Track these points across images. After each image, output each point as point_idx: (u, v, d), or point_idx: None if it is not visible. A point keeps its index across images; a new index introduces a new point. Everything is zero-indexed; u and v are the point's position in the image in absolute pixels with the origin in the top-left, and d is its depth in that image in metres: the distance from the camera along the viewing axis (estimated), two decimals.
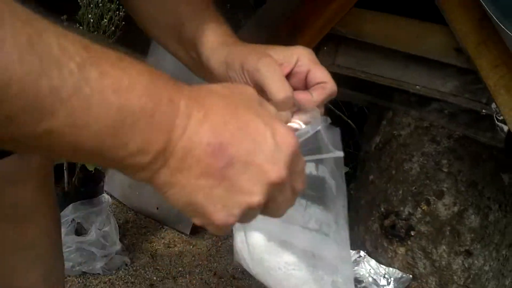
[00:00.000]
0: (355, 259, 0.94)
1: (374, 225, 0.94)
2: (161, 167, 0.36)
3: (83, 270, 1.78)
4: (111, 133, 0.33)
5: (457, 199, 0.86)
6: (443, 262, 0.89)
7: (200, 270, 1.87)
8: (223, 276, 1.81)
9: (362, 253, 0.94)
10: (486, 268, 0.92)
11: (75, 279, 1.73)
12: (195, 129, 0.36)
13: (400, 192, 0.90)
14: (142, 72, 0.34)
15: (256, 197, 0.37)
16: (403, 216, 0.89)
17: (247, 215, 0.39)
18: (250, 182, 0.37)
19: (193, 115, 0.36)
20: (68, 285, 1.70)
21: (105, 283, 1.75)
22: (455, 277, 0.90)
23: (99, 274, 1.78)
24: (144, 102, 0.34)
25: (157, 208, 2.14)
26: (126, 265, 1.86)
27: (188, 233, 2.11)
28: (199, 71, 0.56)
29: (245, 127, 0.37)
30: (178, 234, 2.06)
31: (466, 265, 0.90)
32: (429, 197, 0.87)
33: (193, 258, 1.93)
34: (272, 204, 0.40)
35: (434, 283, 0.91)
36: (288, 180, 0.39)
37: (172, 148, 0.35)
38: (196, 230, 2.08)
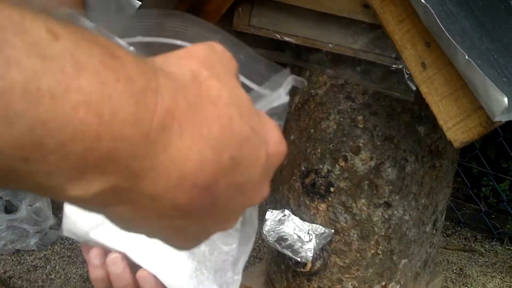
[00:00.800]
0: (280, 219, 0.95)
1: (296, 184, 0.96)
2: (119, 204, 0.26)
3: (17, 248, 1.74)
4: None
5: (374, 154, 0.88)
6: (363, 215, 0.92)
7: None
8: None
9: (286, 211, 0.95)
10: (406, 217, 0.95)
11: (9, 258, 1.69)
12: (170, 167, 0.24)
13: (319, 150, 0.91)
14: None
15: (231, 224, 0.31)
16: (323, 174, 0.91)
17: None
18: (229, 213, 0.30)
19: (171, 139, 0.24)
20: (1, 264, 1.66)
21: (40, 259, 1.71)
22: (376, 229, 0.93)
23: (33, 250, 1.75)
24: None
25: None
26: (62, 239, 1.83)
27: None
28: None
29: (239, 151, 0.26)
30: None
31: (386, 216, 0.93)
32: (346, 154, 0.89)
33: None
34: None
35: (356, 235, 0.93)
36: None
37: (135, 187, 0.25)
38: None
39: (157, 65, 0.25)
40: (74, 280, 1.60)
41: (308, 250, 0.88)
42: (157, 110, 0.23)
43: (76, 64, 0.20)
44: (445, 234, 2.04)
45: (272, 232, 0.94)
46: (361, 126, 0.88)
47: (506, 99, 0.58)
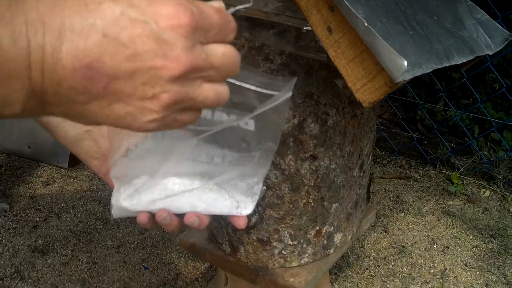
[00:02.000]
0: None
1: None
2: (45, 106, 0.31)
3: None
4: None
5: (296, 112, 0.92)
6: (292, 170, 0.96)
7: (84, 202, 1.87)
8: (108, 203, 1.83)
9: None
10: (333, 166, 1.00)
11: None
12: (54, 58, 0.30)
13: None
14: None
15: (165, 96, 0.32)
16: None
17: (171, 113, 0.34)
18: (148, 86, 0.32)
19: (46, 40, 0.30)
20: None
21: None
22: (305, 180, 0.98)
23: None
24: None
25: (29, 147, 2.06)
26: (5, 211, 1.81)
27: (67, 166, 2.08)
28: None
29: (114, 27, 0.30)
30: (56, 170, 2.02)
31: (314, 168, 0.97)
32: None
33: (75, 191, 1.92)
34: (186, 102, 0.34)
35: (287, 189, 0.98)
36: (197, 64, 0.33)
37: (40, 89, 0.30)
38: (75, 162, 2.05)
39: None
40: (23, 252, 1.60)
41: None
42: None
43: None
44: (381, 164, 2.14)
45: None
46: None
47: (405, 63, 0.62)
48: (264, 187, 0.97)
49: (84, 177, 1.96)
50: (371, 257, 1.60)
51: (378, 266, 1.57)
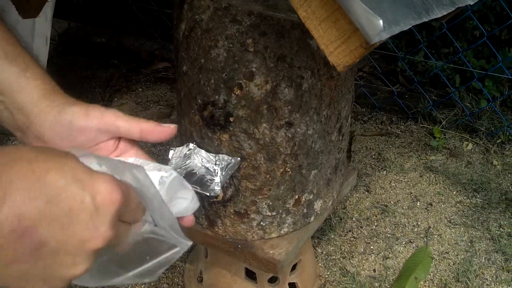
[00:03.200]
0: (185, 154, 0.93)
1: (195, 117, 0.92)
2: None
3: None
4: None
5: (268, 77, 0.86)
6: (267, 139, 0.91)
7: None
8: None
9: (191, 145, 0.93)
10: (310, 132, 0.95)
11: None
12: None
13: (212, 81, 0.87)
14: None
15: (80, 267, 0.35)
16: (220, 105, 0.88)
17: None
18: (70, 255, 0.34)
19: None
20: None
21: None
22: (281, 149, 0.93)
23: None
24: None
25: None
26: None
27: None
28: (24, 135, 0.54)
29: (57, 197, 0.33)
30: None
31: (290, 135, 0.92)
32: (241, 81, 0.85)
33: None
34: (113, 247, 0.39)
35: (262, 159, 0.93)
36: (117, 233, 0.36)
37: None
38: None
39: None
40: None
41: (216, 184, 0.87)
42: None
43: None
44: (361, 121, 2.10)
45: (178, 169, 0.91)
46: (251, 50, 0.84)
47: (381, 22, 0.56)
48: (238, 158, 0.92)
49: None
50: (354, 219, 1.57)
51: (361, 227, 1.54)
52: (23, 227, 0.31)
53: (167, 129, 0.57)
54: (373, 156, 1.88)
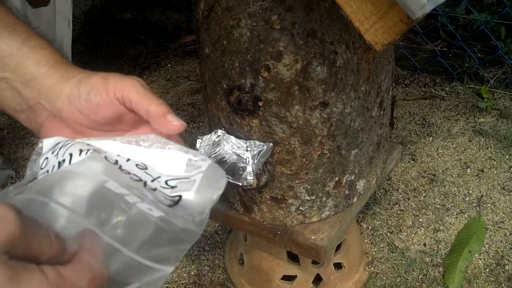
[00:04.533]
0: (214, 141, 0.87)
1: (222, 102, 0.86)
2: None
3: None
4: None
5: (298, 55, 0.78)
6: (300, 121, 0.84)
7: None
8: None
9: (219, 131, 0.87)
10: (347, 110, 0.87)
11: None
12: None
13: (237, 64, 0.80)
14: None
15: None
16: (246, 89, 0.81)
17: None
18: None
19: None
20: None
21: None
22: (316, 131, 0.86)
23: None
24: None
25: None
26: (12, 178, 1.76)
27: None
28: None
29: None
30: None
31: (325, 116, 0.85)
32: (268, 62, 0.79)
33: None
34: None
35: (297, 142, 0.87)
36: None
37: None
38: None
39: None
40: None
41: (248, 173, 0.82)
42: None
43: None
44: (403, 85, 1.99)
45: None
46: (277, 27, 0.77)
47: None
48: (270, 144, 0.86)
49: None
50: (400, 190, 1.50)
51: (408, 199, 1.47)
52: None
53: (172, 125, 0.49)
54: (418, 122, 1.79)
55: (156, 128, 0.50)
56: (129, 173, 0.46)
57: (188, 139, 1.82)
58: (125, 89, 0.48)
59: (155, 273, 0.39)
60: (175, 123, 0.49)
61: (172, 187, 0.47)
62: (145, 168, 0.48)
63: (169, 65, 2.19)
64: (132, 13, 2.44)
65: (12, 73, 0.49)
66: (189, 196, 0.46)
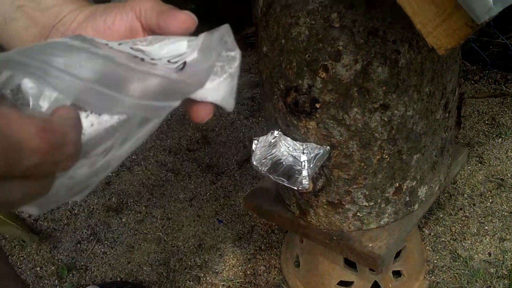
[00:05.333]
0: (270, 142, 0.85)
1: (279, 103, 0.84)
2: None
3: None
4: None
5: (358, 55, 0.75)
6: (359, 124, 0.81)
7: (154, 153, 1.82)
8: (178, 152, 1.76)
9: (276, 132, 0.85)
10: (410, 113, 0.83)
11: None
12: None
13: (294, 64, 0.78)
14: None
15: None
16: (304, 90, 0.79)
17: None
18: None
19: None
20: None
21: None
22: (376, 134, 0.82)
23: None
24: None
25: None
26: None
27: None
28: None
29: None
30: None
31: (386, 119, 0.81)
32: (326, 62, 0.75)
33: (144, 141, 1.86)
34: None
35: (355, 146, 0.83)
36: None
37: None
38: None
39: None
40: (98, 211, 1.58)
41: (304, 177, 0.79)
42: None
43: None
44: (472, 81, 1.90)
45: (264, 160, 0.84)
46: (337, 25, 0.73)
47: None
48: (327, 147, 0.83)
49: None
50: (465, 195, 1.43)
51: (474, 204, 1.39)
52: None
53: (182, 15, 0.45)
54: (486, 122, 1.70)
55: (165, 27, 0.46)
56: (122, 52, 0.41)
57: (247, 134, 1.81)
58: (142, 4, 0.45)
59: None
60: (189, 16, 0.46)
61: (175, 62, 0.41)
62: (141, 51, 0.43)
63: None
64: (196, 3, 2.45)
65: (31, 2, 0.47)
66: (192, 55, 0.42)
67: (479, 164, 1.52)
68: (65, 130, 0.30)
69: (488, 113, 1.73)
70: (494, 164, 1.51)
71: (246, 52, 2.21)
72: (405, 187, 0.91)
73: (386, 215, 0.93)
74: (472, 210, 1.38)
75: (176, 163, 1.73)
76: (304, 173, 0.79)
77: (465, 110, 1.75)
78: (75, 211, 1.60)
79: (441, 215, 1.37)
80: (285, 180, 0.82)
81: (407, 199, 0.93)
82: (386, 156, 0.85)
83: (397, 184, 0.90)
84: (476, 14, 0.46)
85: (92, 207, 1.61)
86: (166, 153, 1.78)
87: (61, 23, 0.47)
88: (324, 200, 0.92)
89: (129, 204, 1.60)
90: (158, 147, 1.81)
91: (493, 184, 1.45)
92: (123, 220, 1.55)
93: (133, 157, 1.79)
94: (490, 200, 1.40)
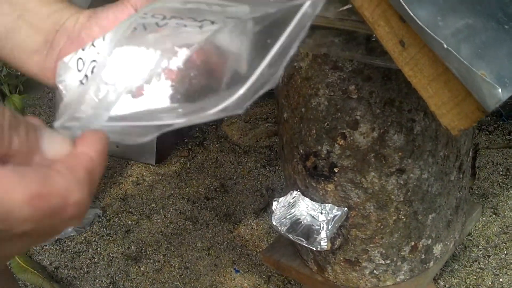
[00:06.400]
0: (289, 202, 0.89)
1: (298, 166, 0.88)
2: None
3: (57, 237, 1.75)
4: None
5: (375, 124, 0.79)
6: (376, 187, 0.84)
7: (173, 201, 1.85)
8: (196, 200, 1.80)
9: (295, 193, 0.89)
10: (425, 176, 0.87)
11: (52, 248, 1.72)
12: None
13: (314, 131, 0.82)
14: None
15: None
16: (322, 156, 0.83)
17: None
18: None
19: None
20: (46, 255, 1.69)
21: (81, 243, 1.73)
22: (392, 196, 0.86)
23: (73, 235, 1.76)
24: None
25: (117, 146, 2.07)
26: (99, 216, 1.83)
27: (154, 163, 2.07)
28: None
29: None
30: (145, 167, 2.02)
31: (402, 182, 0.85)
32: (344, 131, 0.80)
33: (164, 190, 1.90)
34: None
35: (372, 207, 0.86)
36: None
37: None
38: (162, 157, 2.04)
39: None
40: (117, 260, 1.61)
41: (322, 239, 0.83)
42: None
43: None
44: (486, 132, 1.93)
45: (283, 219, 0.88)
46: (354, 96, 0.78)
47: (500, 91, 0.48)
48: (345, 209, 0.86)
49: (172, 173, 1.94)
50: (480, 247, 1.44)
51: (489, 256, 1.41)
52: None
53: None
54: (501, 173, 1.72)
55: None
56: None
57: (264, 183, 1.85)
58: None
59: None
60: None
61: None
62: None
63: (248, 106, 2.24)
64: None
65: (29, 12, 0.48)
66: None
67: (494, 216, 1.54)
68: (67, 191, 0.27)
69: (503, 164, 1.75)
70: (508, 216, 1.53)
71: (264, 101, 2.27)
72: (420, 245, 0.94)
73: (402, 272, 0.95)
74: (486, 262, 1.39)
75: (194, 212, 1.76)
76: (323, 234, 0.83)
77: (479, 161, 1.78)
78: (95, 259, 1.64)
79: (456, 267, 1.38)
80: (304, 240, 0.86)
81: (423, 256, 0.96)
82: (402, 217, 0.88)
83: (413, 243, 0.93)
84: (487, 104, 0.50)
85: (111, 255, 1.64)
86: (184, 201, 1.82)
87: (64, 27, 0.48)
88: (341, 258, 0.94)
89: (148, 252, 1.63)
90: (177, 195, 1.85)
91: (507, 235, 1.46)
92: (142, 269, 1.58)
93: (153, 205, 1.83)
94: (505, 252, 1.41)
